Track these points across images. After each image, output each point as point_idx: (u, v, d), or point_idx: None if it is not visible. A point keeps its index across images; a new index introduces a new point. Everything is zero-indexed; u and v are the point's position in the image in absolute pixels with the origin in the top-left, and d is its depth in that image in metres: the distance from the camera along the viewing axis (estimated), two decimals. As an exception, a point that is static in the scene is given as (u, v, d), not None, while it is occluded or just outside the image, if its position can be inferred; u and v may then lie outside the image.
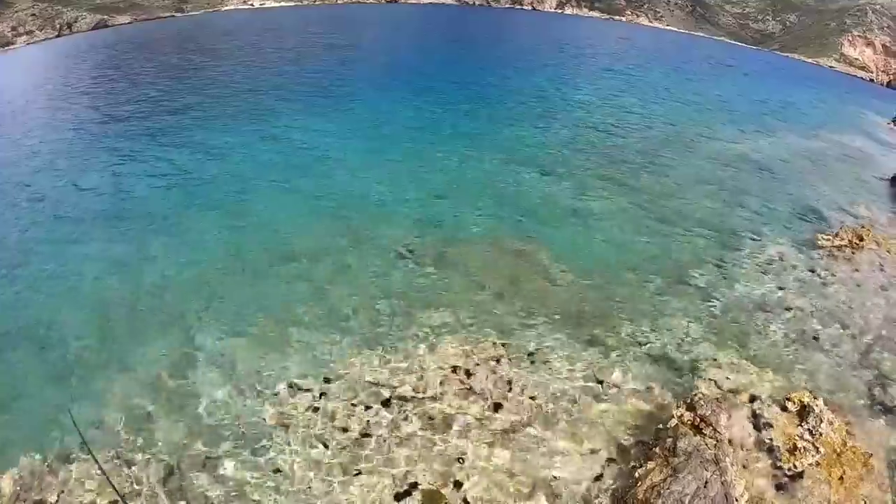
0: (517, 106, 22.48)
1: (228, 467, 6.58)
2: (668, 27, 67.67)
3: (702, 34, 64.35)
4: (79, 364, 8.48)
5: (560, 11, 71.78)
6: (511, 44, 43.08)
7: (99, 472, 6.57)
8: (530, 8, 72.94)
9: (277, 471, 6.53)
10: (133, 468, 6.71)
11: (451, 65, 31.35)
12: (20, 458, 6.98)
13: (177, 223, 12.40)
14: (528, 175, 14.85)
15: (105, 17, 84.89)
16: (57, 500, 6.51)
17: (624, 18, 69.90)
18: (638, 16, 70.03)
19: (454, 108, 21.44)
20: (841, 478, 7.53)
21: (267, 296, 9.82)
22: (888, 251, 12.63)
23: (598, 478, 7.01)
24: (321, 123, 19.12)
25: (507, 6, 74.02)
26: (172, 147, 16.99)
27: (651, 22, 69.05)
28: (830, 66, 53.10)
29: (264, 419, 7.05)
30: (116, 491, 6.27)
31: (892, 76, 52.35)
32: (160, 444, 7.05)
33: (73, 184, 14.64)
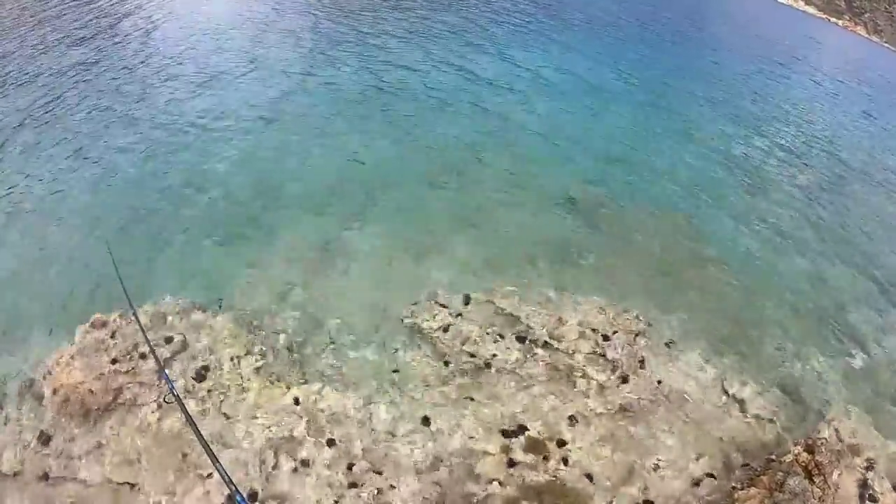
0: (707, 104, 20.64)
1: (351, 352, 6.71)
2: (885, 44, 58.91)
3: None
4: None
5: (774, -3, 63.76)
6: (718, 35, 38.91)
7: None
8: (744, -13, 65.65)
9: (395, 371, 6.57)
10: (262, 332, 7.13)
11: (641, 44, 28.69)
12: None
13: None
14: (712, 166, 14.12)
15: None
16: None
17: (840, 22, 61.55)
18: (856, 24, 61.44)
19: (646, 89, 20.13)
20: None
21: (429, 205, 10.24)
22: None
23: (696, 484, 6.71)
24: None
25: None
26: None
27: (869, 34, 60.48)
28: None
29: (400, 320, 7.11)
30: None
31: None
32: (292, 318, 7.42)
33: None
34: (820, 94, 27.28)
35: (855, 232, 13.15)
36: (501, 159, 12.20)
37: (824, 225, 12.83)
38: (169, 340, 6.80)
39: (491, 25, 24.01)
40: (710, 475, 6.82)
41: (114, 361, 6.91)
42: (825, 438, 7.80)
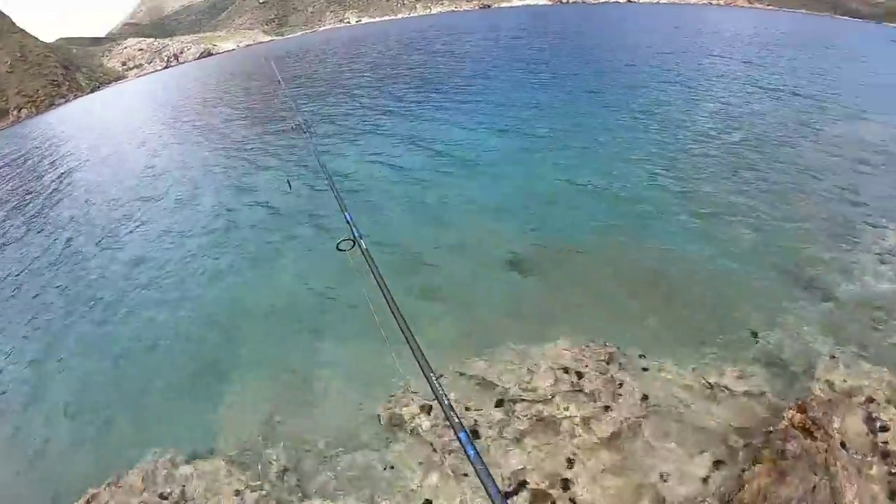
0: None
1: (343, 461, 6.87)
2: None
3: None
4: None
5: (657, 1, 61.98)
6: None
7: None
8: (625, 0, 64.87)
9: (391, 467, 6.73)
10: (255, 465, 7.22)
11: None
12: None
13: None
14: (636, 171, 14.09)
15: (209, 46, 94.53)
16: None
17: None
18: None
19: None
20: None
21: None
22: None
23: (705, 480, 6.86)
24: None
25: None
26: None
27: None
28: None
29: (377, 417, 7.24)
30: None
31: None
32: (279, 444, 7.58)
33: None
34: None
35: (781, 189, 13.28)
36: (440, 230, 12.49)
37: (762, 195, 12.89)
38: (164, 497, 6.94)
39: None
40: (719, 462, 6.99)
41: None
42: (815, 394, 7.96)
